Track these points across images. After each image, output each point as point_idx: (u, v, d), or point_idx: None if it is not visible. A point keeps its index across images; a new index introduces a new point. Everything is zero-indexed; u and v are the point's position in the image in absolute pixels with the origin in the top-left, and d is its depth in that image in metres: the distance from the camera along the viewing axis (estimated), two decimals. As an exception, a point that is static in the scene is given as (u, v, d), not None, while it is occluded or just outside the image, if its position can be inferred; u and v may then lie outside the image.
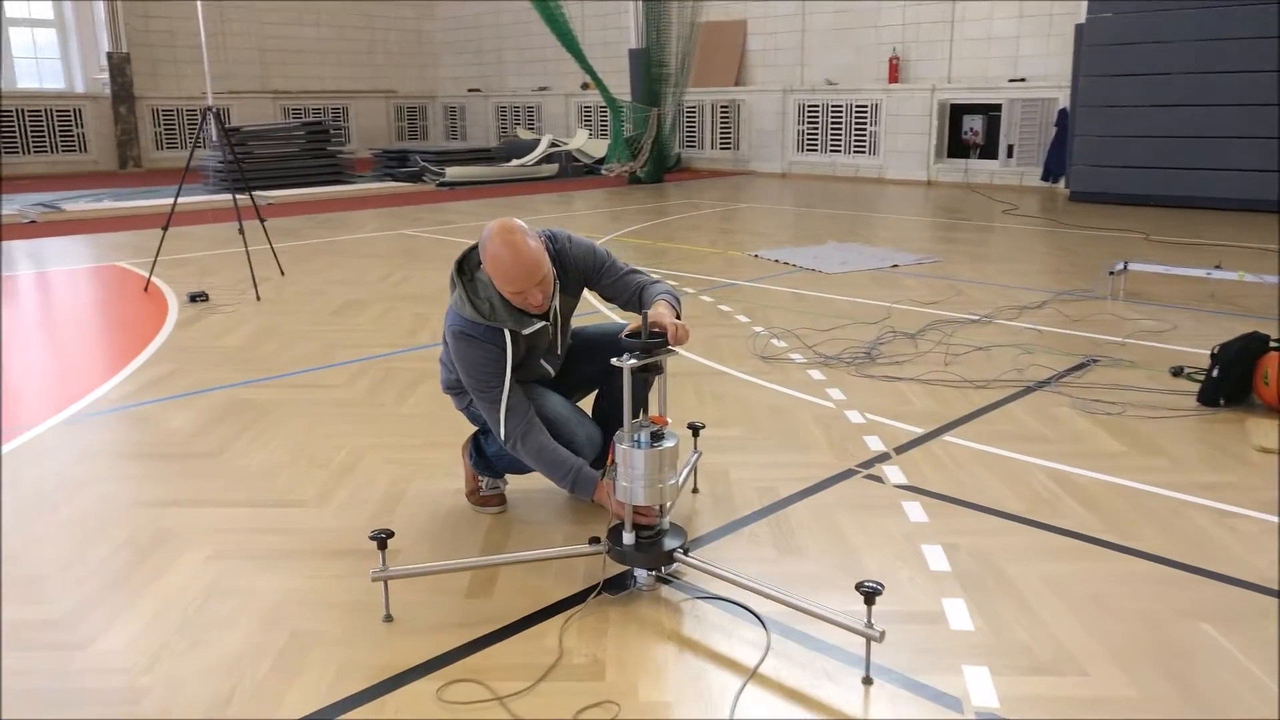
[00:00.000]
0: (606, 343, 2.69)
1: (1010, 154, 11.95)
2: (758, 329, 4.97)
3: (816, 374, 4.20)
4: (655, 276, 2.74)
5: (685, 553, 2.36)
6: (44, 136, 14.83)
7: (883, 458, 3.24)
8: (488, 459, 2.80)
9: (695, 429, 3.00)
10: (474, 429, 2.88)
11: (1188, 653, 2.10)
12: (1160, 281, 5.89)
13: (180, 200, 8.88)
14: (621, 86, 13.51)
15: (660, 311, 2.40)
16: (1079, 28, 10.44)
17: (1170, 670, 2.04)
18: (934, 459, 3.23)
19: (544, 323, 2.58)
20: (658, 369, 2.34)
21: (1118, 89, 9.91)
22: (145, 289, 6.07)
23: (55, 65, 15.67)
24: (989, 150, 12.26)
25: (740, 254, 7.36)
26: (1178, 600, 2.32)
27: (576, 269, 2.67)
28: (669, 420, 2.39)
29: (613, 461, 2.36)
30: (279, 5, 17.30)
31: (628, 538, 2.37)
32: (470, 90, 19.03)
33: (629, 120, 13.27)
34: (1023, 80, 11.74)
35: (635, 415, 2.35)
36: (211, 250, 7.56)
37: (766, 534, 2.71)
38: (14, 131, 14.50)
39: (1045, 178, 11.60)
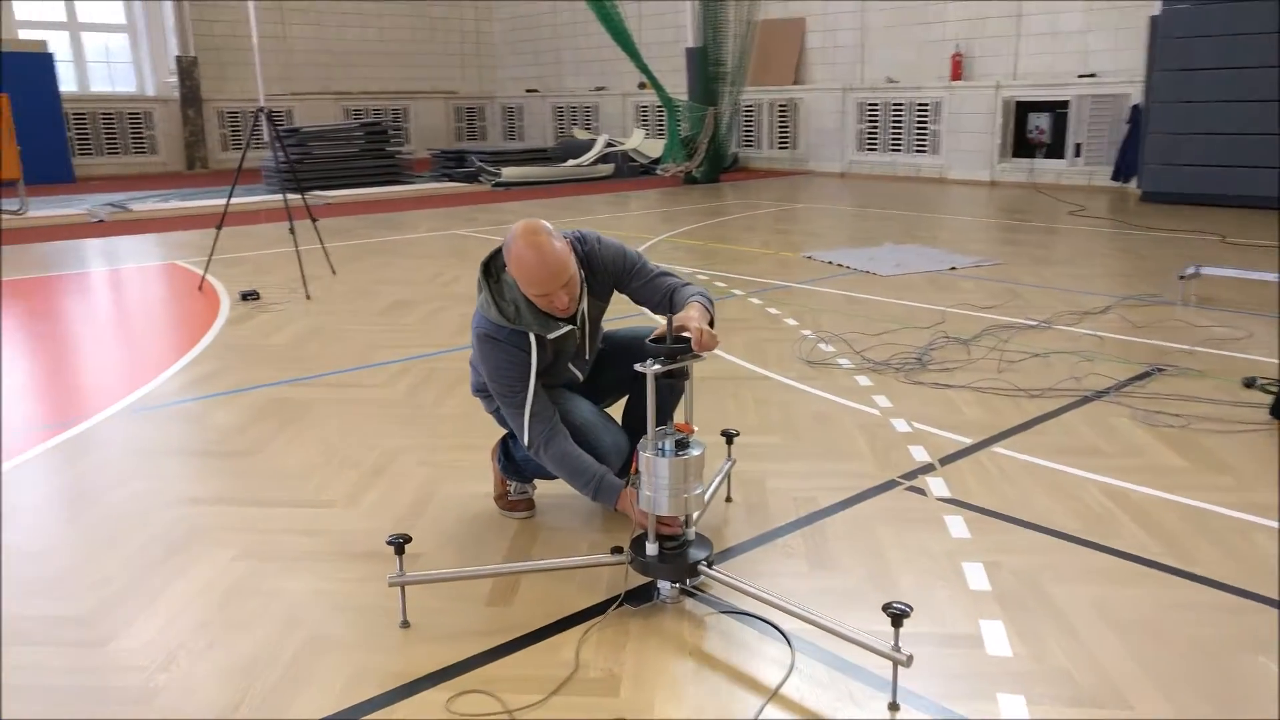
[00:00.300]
0: (636, 347, 2.61)
1: (1078, 153, 11.59)
2: (805, 333, 4.86)
3: (864, 380, 4.08)
4: (687, 279, 2.66)
5: (710, 565, 2.28)
6: (116, 138, 15.24)
7: (926, 469, 3.12)
8: (516, 464, 2.75)
9: (729, 436, 2.91)
10: (504, 432, 2.83)
11: (1243, 688, 1.96)
12: (1235, 286, 5.63)
13: (240, 200, 9.09)
14: (678, 86, 13.43)
15: (688, 315, 2.32)
16: (1153, 20, 10.06)
17: (1223, 706, 1.90)
18: (981, 471, 3.10)
19: (570, 326, 2.51)
20: (683, 375, 2.26)
21: (1193, 84, 9.53)
22: (200, 287, 6.16)
23: (127, 69, 16.09)
24: (1055, 149, 11.90)
25: (793, 255, 7.23)
26: (1236, 631, 2.17)
27: (605, 271, 2.60)
28: (695, 428, 2.31)
29: (636, 470, 2.28)
30: (341, 7, 17.56)
31: (651, 548, 2.29)
32: (528, 91, 19.11)
33: (685, 120, 13.18)
34: (1092, 76, 11.38)
35: (660, 422, 2.27)
36: (267, 249, 7.66)
37: (800, 546, 2.61)
38: (88, 134, 14.92)
39: (1115, 177, 11.23)
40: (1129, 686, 1.97)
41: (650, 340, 2.24)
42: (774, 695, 1.96)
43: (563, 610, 2.30)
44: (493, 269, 2.52)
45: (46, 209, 10.06)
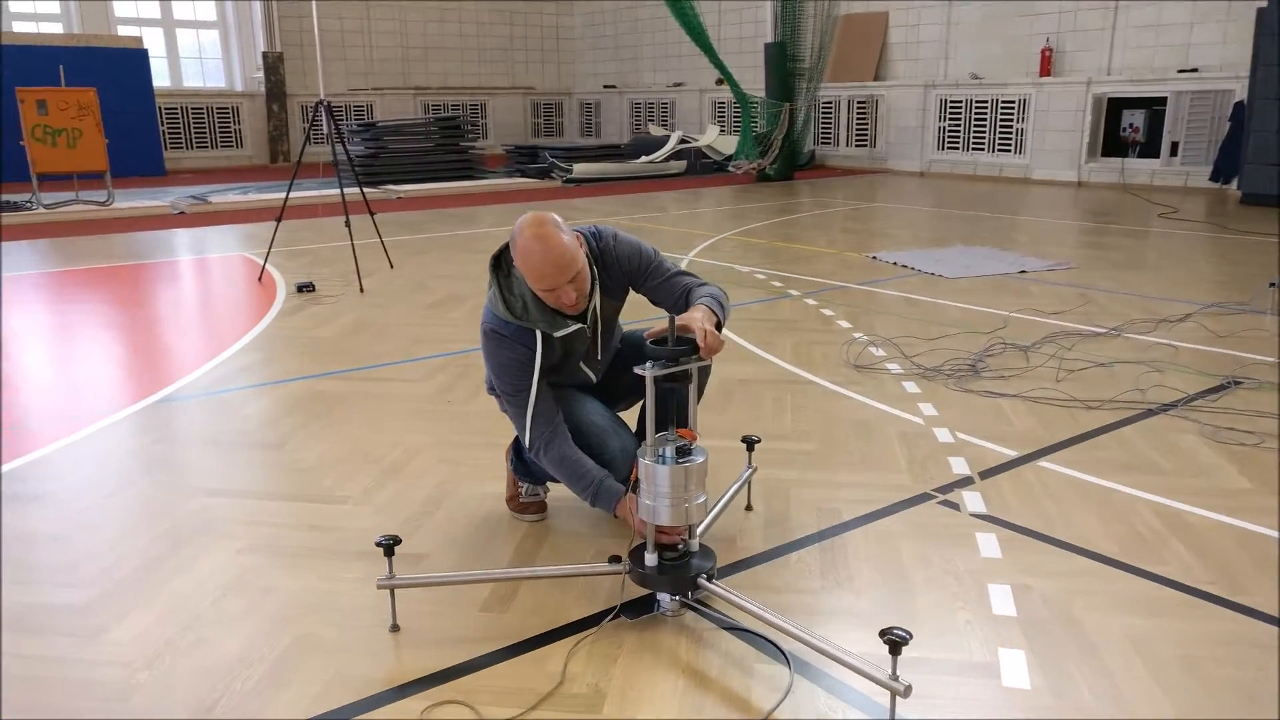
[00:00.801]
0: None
1: (1175, 152, 11.02)
2: (856, 335, 4.68)
3: (911, 386, 3.90)
4: (704, 280, 2.53)
5: (710, 578, 2.16)
6: (204, 132, 15.71)
7: (964, 482, 2.94)
8: (526, 464, 2.67)
9: (750, 443, 2.78)
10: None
11: (1290, 739, 1.77)
12: (1328, 295, 5.25)
13: (311, 193, 9.27)
14: (756, 82, 13.24)
15: (691, 316, 2.20)
16: (1260, 12, 9.50)
17: (1264, 759, 1.72)
18: (1022, 486, 2.91)
19: (580, 325, 2.42)
20: (685, 379, 2.15)
21: (1298, 80, 8.97)
22: (260, 279, 6.26)
23: (217, 65, 16.59)
24: (1150, 148, 11.35)
25: (857, 256, 7.02)
26: (1287, 672, 1.97)
27: (620, 269, 2.49)
28: (697, 435, 2.19)
29: (636, 477, 2.18)
30: (423, 4, 17.80)
31: (650, 559, 2.19)
32: (606, 87, 19.11)
33: (761, 116, 12.98)
34: (1194, 71, 10.82)
35: (662, 427, 2.17)
36: (330, 242, 7.76)
37: (815, 562, 2.47)
38: (179, 128, 15.42)
39: (1215, 178, 10.66)
40: (1156, 732, 1.79)
41: (650, 341, 2.13)
42: (764, 721, 1.84)
43: (558, 620, 2.21)
44: (503, 263, 2.45)
45: (132, 200, 10.39)
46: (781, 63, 12.77)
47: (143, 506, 2.87)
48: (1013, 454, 3.15)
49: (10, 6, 14.18)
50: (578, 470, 2.40)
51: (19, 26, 14.17)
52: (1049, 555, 2.48)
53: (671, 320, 2.12)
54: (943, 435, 3.34)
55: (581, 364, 2.54)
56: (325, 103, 5.94)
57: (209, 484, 3.04)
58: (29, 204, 9.61)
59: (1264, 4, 9.39)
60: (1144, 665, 1.99)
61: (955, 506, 2.77)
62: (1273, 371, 3.97)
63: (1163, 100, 11.06)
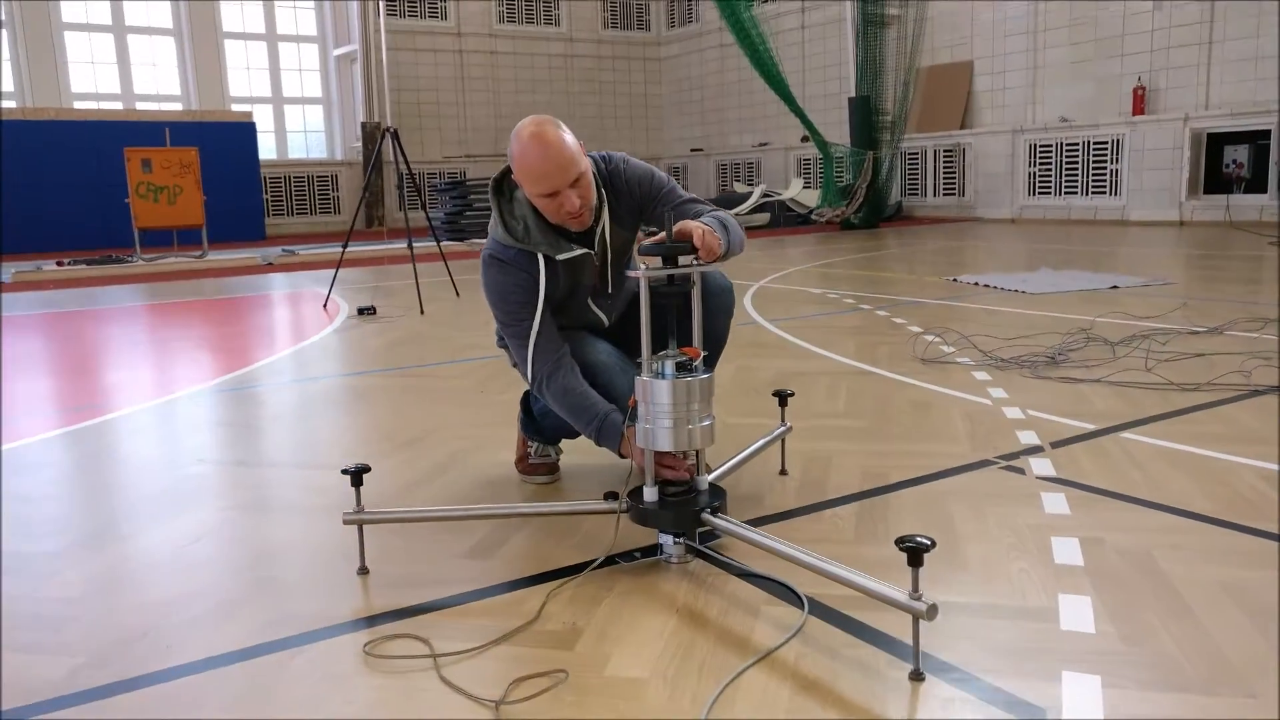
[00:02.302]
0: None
1: (1283, 186, 10.36)
2: (928, 337, 4.34)
3: (982, 375, 3.55)
4: (719, 208, 2.30)
5: (714, 512, 1.88)
6: (305, 199, 16.30)
7: (1033, 450, 2.59)
8: (535, 420, 2.45)
9: (782, 396, 2.50)
10: (527, 387, 2.54)
11: None
12: None
13: (397, 246, 9.41)
14: (842, 137, 13.10)
15: (690, 222, 1.96)
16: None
17: (1398, 704, 1.34)
18: (1101, 454, 2.54)
19: (585, 250, 2.20)
20: (684, 286, 1.90)
21: None
22: (324, 306, 6.26)
23: (320, 138, 17.30)
24: (1256, 183, 10.70)
25: (937, 279, 6.66)
26: None
27: (630, 195, 2.28)
28: (703, 352, 1.93)
29: (635, 403, 1.93)
30: (515, 77, 18.29)
31: (649, 493, 1.92)
32: (693, 150, 19.21)
33: (847, 169, 12.78)
34: (1299, 102, 10.22)
35: (662, 343, 1.92)
36: (401, 280, 7.78)
37: (851, 517, 2.16)
38: (281, 196, 16.03)
39: (1328, 211, 9.95)
40: (1258, 674, 1.43)
41: (643, 245, 1.90)
42: (763, 657, 1.54)
43: (549, 566, 1.95)
44: (504, 187, 2.26)
45: (225, 254, 10.73)
46: (865, 115, 12.61)
47: (140, 472, 2.74)
48: (1091, 427, 2.79)
49: (135, 87, 15.10)
50: (583, 403, 2.16)
51: (142, 105, 15.06)
52: (1128, 512, 2.11)
53: (668, 218, 1.89)
54: (1012, 413, 2.99)
55: (590, 302, 2.32)
56: (392, 129, 5.96)
57: (212, 455, 2.89)
58: (130, 258, 10.00)
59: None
60: (1242, 613, 1.62)
61: (1020, 471, 2.43)
62: (1404, 358, 3.49)
63: (1266, 133, 10.46)
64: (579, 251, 2.19)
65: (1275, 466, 2.38)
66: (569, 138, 2.07)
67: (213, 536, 2.19)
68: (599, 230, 2.22)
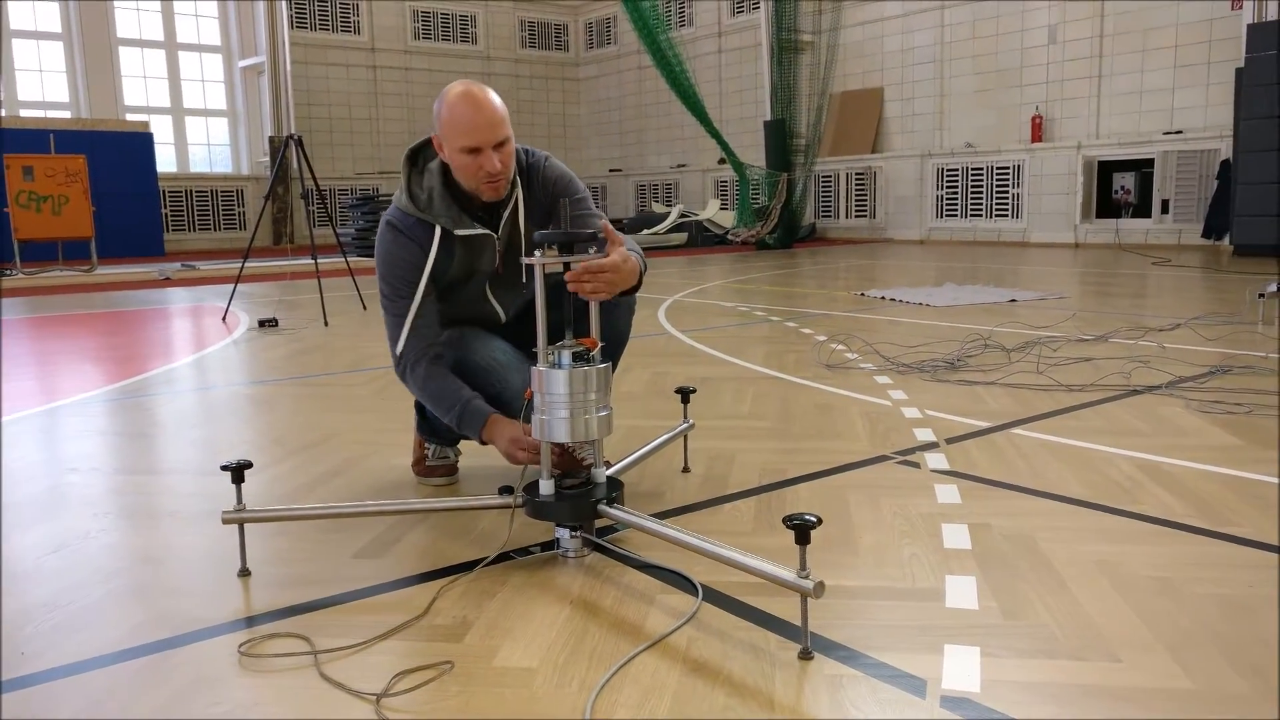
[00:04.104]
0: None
1: (1166, 210, 10.89)
2: (835, 346, 4.41)
3: (883, 379, 3.62)
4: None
5: (611, 503, 1.87)
6: (208, 215, 15.83)
7: (928, 447, 2.65)
8: (428, 419, 2.39)
9: (685, 393, 2.51)
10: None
11: (1272, 643, 1.45)
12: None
13: (304, 262, 9.19)
14: (758, 159, 13.31)
15: (613, 231, 1.94)
16: (1239, 71, 9.47)
17: (1243, 660, 1.39)
18: (992, 449, 2.61)
19: (487, 232, 2.17)
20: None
21: (1288, 130, 8.86)
22: (223, 319, 6.08)
23: (225, 151, 16.85)
24: (1142, 209, 11.23)
25: (846, 294, 6.80)
26: (1273, 590, 1.65)
27: (545, 190, 2.25)
28: (601, 343, 1.93)
29: (530, 394, 1.91)
30: (430, 94, 18.13)
31: (545, 486, 1.90)
32: (612, 170, 19.30)
33: (762, 190, 12.99)
34: (1179, 133, 10.77)
35: (559, 334, 1.91)
36: (307, 294, 7.60)
37: (750, 510, 2.18)
38: (182, 210, 15.55)
39: (1207, 235, 10.46)
40: (1124, 641, 1.47)
41: (540, 234, 1.88)
42: (654, 644, 1.53)
43: (442, 564, 1.91)
44: (419, 158, 2.22)
45: (119, 269, 10.34)
46: (780, 138, 12.85)
47: (21, 482, 2.60)
48: (985, 424, 2.86)
49: (19, 94, 14.49)
50: (443, 390, 2.14)
51: (26, 114, 14.44)
52: (1014, 500, 2.17)
53: (565, 206, 1.88)
54: (910, 413, 3.05)
55: (489, 290, 2.28)
56: (296, 136, 5.84)
57: (91, 463, 2.76)
58: (9, 272, 9.53)
59: (1241, 64, 9.36)
60: (1112, 586, 1.68)
61: (915, 465, 2.48)
62: (1264, 363, 3.67)
63: (1150, 162, 11.00)
64: (479, 231, 2.16)
65: (1144, 455, 2.47)
66: (499, 101, 2.06)
67: (82, 543, 2.08)
68: (505, 214, 2.19)
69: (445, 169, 2.15)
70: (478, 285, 2.25)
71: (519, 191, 2.20)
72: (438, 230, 2.12)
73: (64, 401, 3.63)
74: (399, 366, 2.17)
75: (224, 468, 1.85)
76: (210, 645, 1.58)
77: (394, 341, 2.16)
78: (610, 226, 2.03)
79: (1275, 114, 8.90)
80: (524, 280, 2.30)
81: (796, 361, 4.05)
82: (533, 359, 1.90)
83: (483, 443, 2.14)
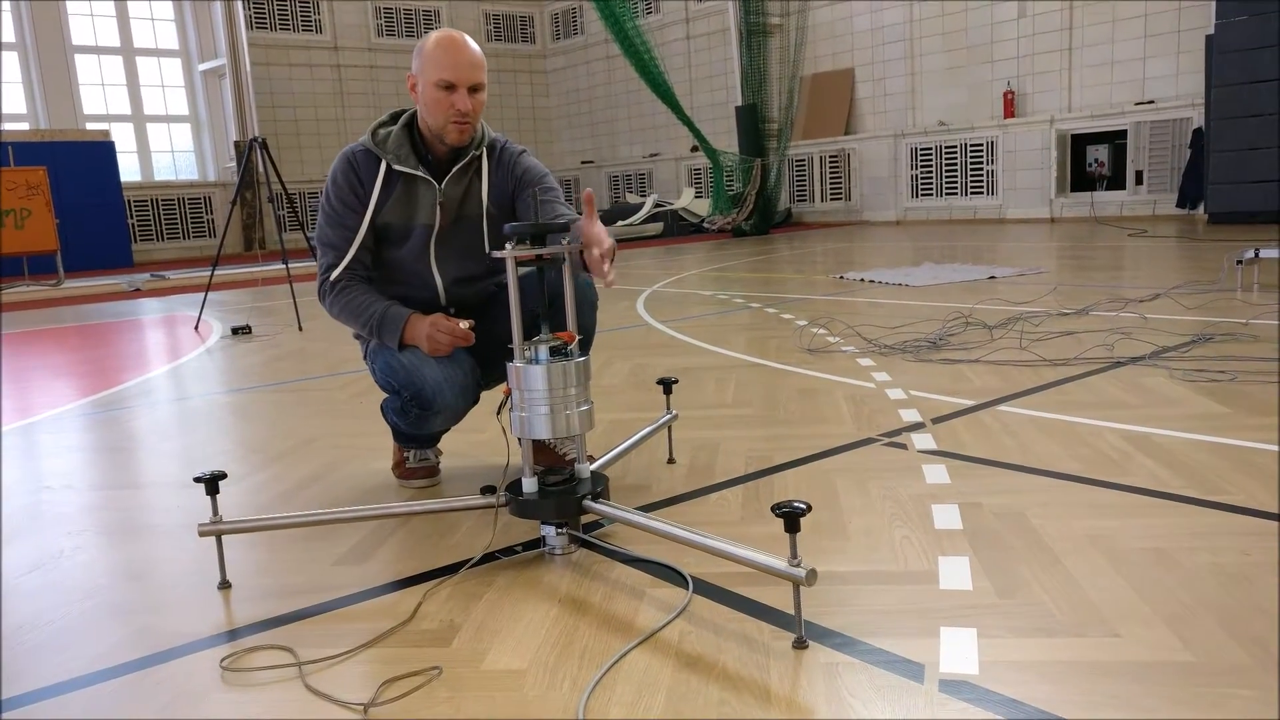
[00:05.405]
0: (535, 277, 2.17)
1: (1140, 181, 10.95)
2: (816, 329, 4.39)
3: (866, 361, 3.60)
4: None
5: (596, 498, 1.84)
6: (176, 223, 15.63)
7: (914, 427, 2.63)
8: (403, 429, 2.32)
9: (667, 384, 2.47)
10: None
11: (1271, 611, 1.43)
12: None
13: (273, 268, 9.09)
14: (732, 146, 13.28)
15: (598, 224, 1.90)
16: (1209, 38, 9.52)
17: (1249, 634, 1.38)
18: (979, 426, 2.59)
19: (427, 177, 2.18)
20: (554, 264, 1.86)
21: (1257, 97, 8.91)
22: (195, 328, 5.99)
23: (190, 158, 16.64)
24: (1117, 180, 11.28)
25: (825, 277, 6.79)
26: (1271, 557, 1.63)
27: (509, 171, 2.25)
28: (577, 336, 1.89)
29: (509, 391, 1.87)
30: (397, 91, 17.98)
31: (529, 484, 1.86)
32: (584, 162, 19.22)
33: (736, 176, 12.96)
34: (1150, 103, 10.82)
35: (534, 332, 1.87)
36: (280, 300, 7.51)
37: (737, 498, 2.15)
38: (149, 220, 15.34)
39: (1181, 204, 10.53)
40: (1121, 615, 1.45)
41: (511, 225, 1.84)
42: (646, 639, 1.50)
43: (427, 567, 1.87)
44: (399, 118, 2.26)
45: (86, 282, 10.19)
46: (752, 123, 12.82)
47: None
48: (970, 403, 2.85)
49: (-24, 107, 14.26)
50: (359, 306, 2.17)
51: (-17, 123, 14.18)
52: (1003, 477, 2.15)
53: (534, 195, 1.85)
54: (895, 394, 3.03)
55: (431, 251, 2.22)
56: (260, 139, 5.75)
57: (66, 480, 2.70)
58: (-23, 289, 9.40)
59: (1212, 31, 9.41)
60: (1107, 560, 1.66)
61: (902, 447, 2.46)
62: (1245, 330, 3.67)
63: (1123, 134, 11.04)
64: (420, 173, 2.17)
65: (1132, 426, 2.46)
66: (480, 51, 2.12)
67: (58, 562, 2.03)
68: (455, 169, 2.19)
69: (412, 121, 2.21)
70: (418, 240, 2.21)
71: (482, 159, 2.22)
72: (383, 164, 2.16)
73: (36, 418, 3.56)
74: (324, 287, 2.20)
75: (197, 479, 1.80)
76: (192, 660, 1.54)
77: (324, 270, 2.19)
78: (592, 194, 1.97)
79: (1247, 80, 8.95)
80: (471, 255, 2.26)
81: (778, 347, 4.02)
82: (509, 355, 1.86)
83: (401, 346, 2.14)
